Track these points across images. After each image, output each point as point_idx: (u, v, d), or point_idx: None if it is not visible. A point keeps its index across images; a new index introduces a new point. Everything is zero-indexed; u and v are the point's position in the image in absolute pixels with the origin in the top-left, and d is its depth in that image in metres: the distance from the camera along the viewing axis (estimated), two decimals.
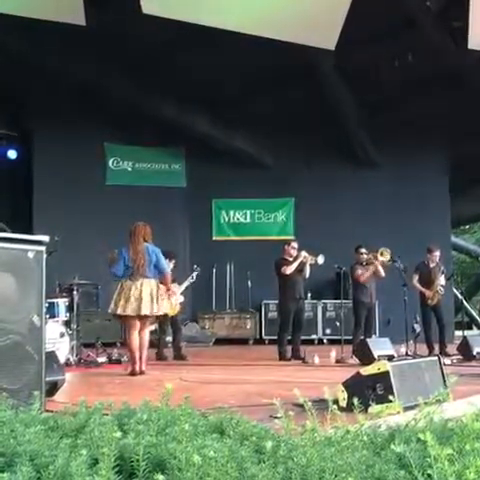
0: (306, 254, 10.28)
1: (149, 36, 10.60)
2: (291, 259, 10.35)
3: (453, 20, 10.48)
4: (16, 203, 13.67)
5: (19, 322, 4.49)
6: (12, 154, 14.12)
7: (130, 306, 8.31)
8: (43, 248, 4.72)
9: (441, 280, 10.96)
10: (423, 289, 10.89)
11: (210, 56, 11.57)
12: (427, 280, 10.91)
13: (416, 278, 10.95)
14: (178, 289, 10.43)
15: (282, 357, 10.23)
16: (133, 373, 8.29)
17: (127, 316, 8.43)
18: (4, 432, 2.43)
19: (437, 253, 11.05)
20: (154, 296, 8.43)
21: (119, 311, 8.39)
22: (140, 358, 8.42)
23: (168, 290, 8.93)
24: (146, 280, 8.41)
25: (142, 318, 8.46)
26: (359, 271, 10.45)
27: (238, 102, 13.61)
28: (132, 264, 8.40)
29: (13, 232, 6.10)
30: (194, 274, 10.89)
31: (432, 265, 11.04)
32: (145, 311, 8.34)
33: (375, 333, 11.70)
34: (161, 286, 8.68)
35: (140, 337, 8.54)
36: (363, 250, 10.57)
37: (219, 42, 10.20)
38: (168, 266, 10.30)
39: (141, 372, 8.30)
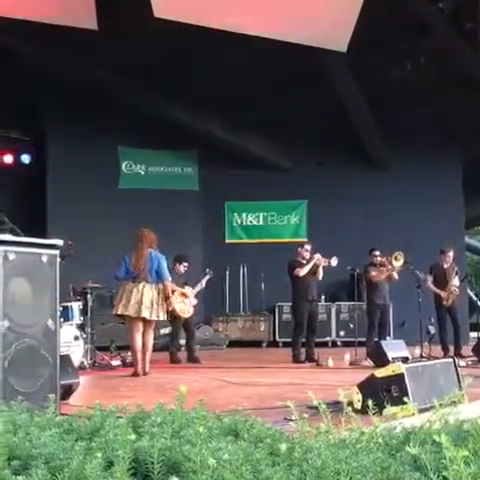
0: (319, 256, 10.27)
1: (161, 39, 10.61)
2: (304, 261, 10.34)
3: (466, 21, 10.45)
4: (30, 207, 13.70)
5: (34, 326, 4.51)
6: (25, 158, 14.20)
7: (131, 307, 8.49)
8: (57, 252, 4.74)
9: (455, 281, 10.91)
10: (438, 290, 10.83)
11: (223, 58, 11.57)
12: (441, 281, 10.86)
13: (430, 279, 10.91)
14: (191, 292, 10.48)
15: (296, 359, 10.22)
16: (136, 374, 8.45)
17: (130, 317, 8.61)
18: (19, 435, 2.44)
19: (451, 254, 11.00)
20: (154, 302, 8.58)
21: (120, 311, 8.62)
22: (143, 359, 8.58)
23: (167, 299, 8.91)
24: (148, 285, 8.61)
25: (145, 321, 8.59)
26: (373, 273, 10.46)
27: (250, 105, 13.60)
28: (133, 269, 8.58)
29: (21, 230, 6.15)
30: (203, 281, 10.89)
31: (446, 266, 10.99)
32: (145, 314, 8.50)
33: (389, 335, 11.65)
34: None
35: (143, 339, 8.68)
36: (377, 252, 10.59)
37: (232, 44, 10.21)
38: (179, 269, 10.40)
39: (144, 373, 8.49)
